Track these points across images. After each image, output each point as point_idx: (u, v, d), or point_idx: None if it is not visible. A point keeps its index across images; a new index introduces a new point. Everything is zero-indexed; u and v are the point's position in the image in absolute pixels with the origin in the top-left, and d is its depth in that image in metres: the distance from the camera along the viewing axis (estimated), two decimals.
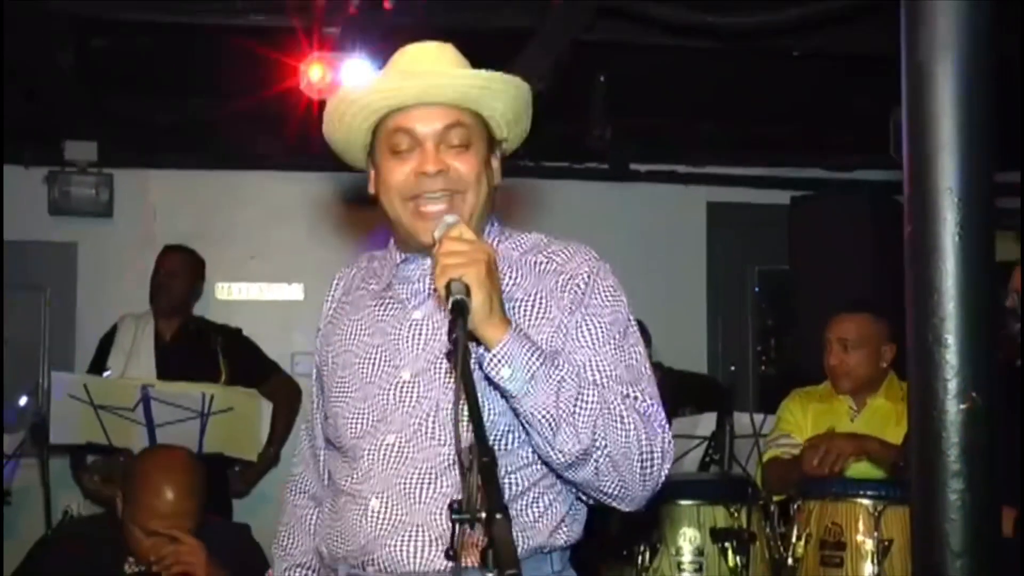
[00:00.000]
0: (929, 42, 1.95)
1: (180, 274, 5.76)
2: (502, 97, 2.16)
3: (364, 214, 6.67)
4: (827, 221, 6.43)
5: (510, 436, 2.07)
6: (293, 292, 7.01)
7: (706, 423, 4.84)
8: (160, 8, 4.69)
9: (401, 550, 2.06)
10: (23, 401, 5.98)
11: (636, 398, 2.06)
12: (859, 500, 3.81)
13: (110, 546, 3.30)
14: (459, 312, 1.86)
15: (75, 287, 6.76)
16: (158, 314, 5.71)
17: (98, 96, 5.94)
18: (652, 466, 2.02)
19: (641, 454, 2.01)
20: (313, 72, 4.72)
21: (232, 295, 6.97)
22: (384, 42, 4.65)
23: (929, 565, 1.91)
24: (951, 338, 1.91)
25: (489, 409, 2.03)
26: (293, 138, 6.44)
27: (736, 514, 4.08)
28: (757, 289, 7.35)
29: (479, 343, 1.96)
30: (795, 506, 3.94)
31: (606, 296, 2.15)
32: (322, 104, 4.63)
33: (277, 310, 7.00)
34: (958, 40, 1.94)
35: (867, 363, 4.40)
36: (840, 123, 6.38)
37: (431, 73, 2.12)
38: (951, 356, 1.91)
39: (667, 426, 2.08)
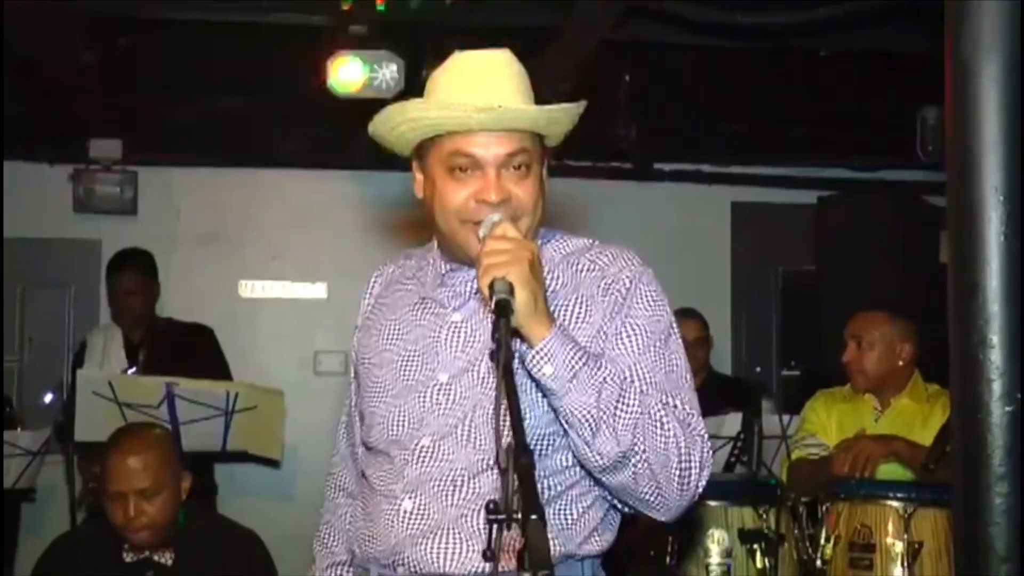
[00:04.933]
0: (973, 40, 1.92)
1: (137, 291, 5.73)
2: (563, 121, 2.14)
3: (387, 213, 6.68)
4: (853, 221, 6.40)
5: (546, 441, 2.06)
6: (316, 291, 7.02)
7: (731, 423, 4.82)
8: (185, 6, 4.69)
9: (431, 551, 2.05)
10: (48, 398, 6.00)
11: (676, 406, 2.03)
12: (889, 502, 3.76)
13: (106, 541, 3.35)
14: (502, 312, 1.85)
15: (99, 284, 6.74)
16: (125, 326, 5.73)
17: (122, 94, 5.95)
18: (690, 475, 2.00)
19: (680, 462, 1.98)
20: (339, 70, 4.71)
21: (255, 293, 6.98)
22: (411, 41, 4.64)
23: (973, 571, 1.88)
24: (996, 338, 1.88)
25: (529, 413, 2.01)
26: (318, 137, 6.48)
27: (764, 515, 4.04)
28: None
29: (523, 340, 1.95)
30: (824, 508, 3.90)
31: (648, 302, 2.12)
32: (347, 102, 4.68)
33: (300, 309, 7.01)
34: (1003, 37, 1.91)
35: (881, 361, 4.36)
36: (866, 123, 6.34)
37: (505, 108, 2.05)
38: (996, 357, 1.88)
39: (706, 436, 2.05)
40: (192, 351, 5.65)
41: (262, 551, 3.54)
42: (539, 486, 2.00)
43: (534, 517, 1.56)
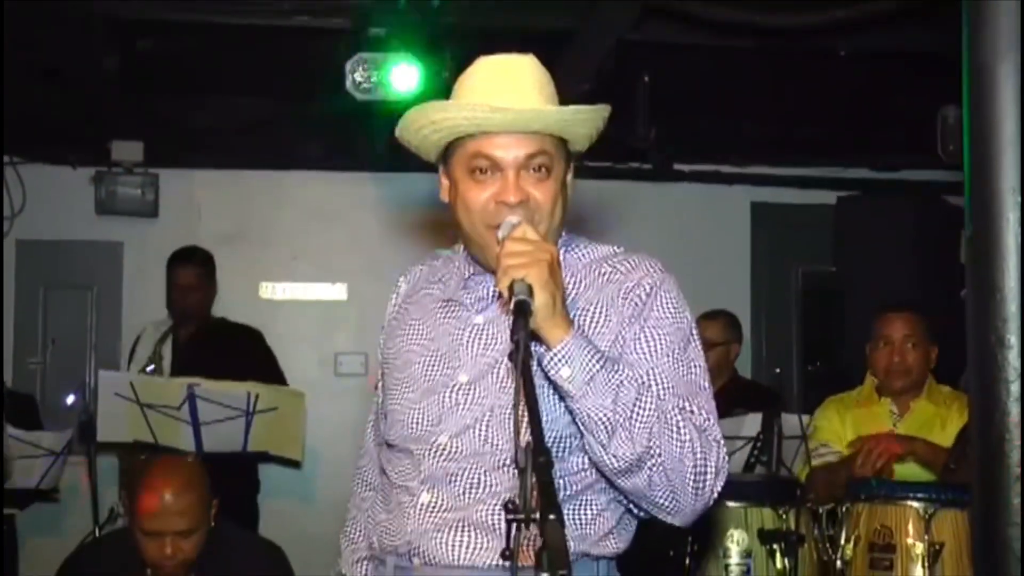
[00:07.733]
0: (991, 42, 1.91)
1: (196, 288, 5.78)
2: (587, 124, 2.15)
3: (407, 215, 6.70)
4: (873, 221, 6.39)
5: (563, 443, 2.07)
6: (336, 292, 7.03)
7: (751, 424, 4.80)
8: (205, 9, 4.71)
9: (447, 543, 2.07)
10: (71, 399, 6.04)
11: (693, 412, 2.04)
12: (909, 503, 3.75)
13: (129, 560, 3.31)
14: (521, 312, 1.86)
15: (121, 286, 6.82)
16: (177, 321, 5.77)
17: (144, 97, 5.99)
18: (705, 480, 2.00)
19: (695, 467, 1.99)
20: (358, 73, 4.72)
21: (276, 295, 7.01)
22: (430, 43, 4.66)
23: (991, 572, 1.87)
24: (1014, 339, 1.87)
25: (547, 415, 2.02)
26: (337, 139, 6.50)
27: (784, 516, 4.03)
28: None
29: (541, 342, 1.95)
30: (844, 508, 3.89)
31: (667, 308, 2.13)
32: (366, 104, 4.70)
33: (320, 310, 7.03)
34: (1020, 39, 1.91)
35: (922, 361, 4.33)
36: (886, 123, 6.33)
37: (522, 110, 2.07)
38: (1014, 357, 1.87)
39: (722, 442, 2.06)
40: (237, 353, 5.67)
41: (283, 566, 3.53)
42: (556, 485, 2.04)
43: (552, 517, 1.57)
